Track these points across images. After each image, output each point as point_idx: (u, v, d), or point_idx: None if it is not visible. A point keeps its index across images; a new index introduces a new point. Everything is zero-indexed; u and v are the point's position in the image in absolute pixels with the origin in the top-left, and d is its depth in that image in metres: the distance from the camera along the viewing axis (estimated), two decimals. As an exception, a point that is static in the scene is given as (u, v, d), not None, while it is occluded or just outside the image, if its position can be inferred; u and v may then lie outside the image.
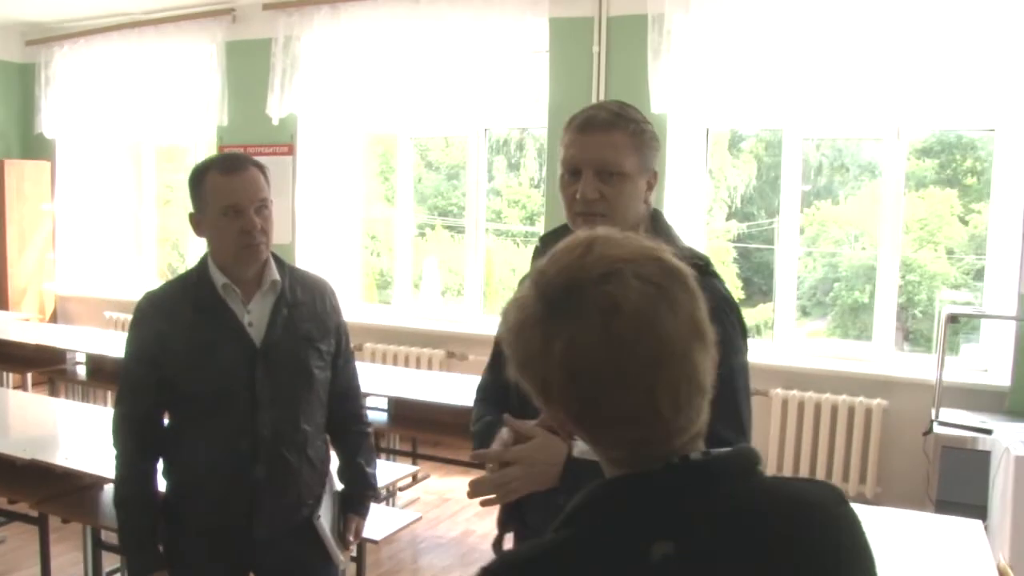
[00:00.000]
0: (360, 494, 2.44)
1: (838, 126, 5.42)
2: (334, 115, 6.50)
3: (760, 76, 5.19)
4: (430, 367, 6.04)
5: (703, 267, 1.72)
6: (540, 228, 6.99)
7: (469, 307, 6.37)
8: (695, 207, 5.66)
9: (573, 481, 1.63)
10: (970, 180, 5.64)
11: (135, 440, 2.20)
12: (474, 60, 6.10)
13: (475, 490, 1.68)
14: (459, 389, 4.60)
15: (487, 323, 6.22)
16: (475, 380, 5.23)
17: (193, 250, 7.33)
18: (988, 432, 4.07)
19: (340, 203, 6.67)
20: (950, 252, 5.65)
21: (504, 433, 1.67)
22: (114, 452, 2.22)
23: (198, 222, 2.18)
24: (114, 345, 5.69)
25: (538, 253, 1.92)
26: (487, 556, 4.22)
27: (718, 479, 0.94)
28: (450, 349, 6.14)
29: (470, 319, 6.28)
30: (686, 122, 5.46)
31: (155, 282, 7.58)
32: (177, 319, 2.15)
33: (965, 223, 5.61)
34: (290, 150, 6.40)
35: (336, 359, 2.33)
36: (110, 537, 3.47)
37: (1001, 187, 4.98)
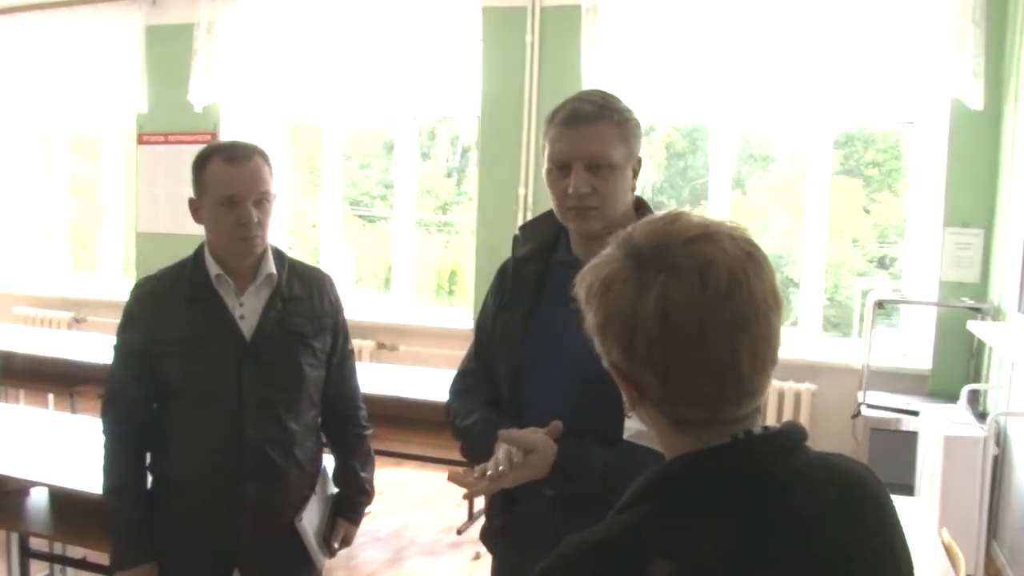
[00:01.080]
0: (352, 499, 2.36)
1: (763, 117, 5.54)
2: (258, 103, 6.35)
3: (689, 67, 5.27)
4: (360, 358, 5.93)
5: None
6: (454, 217, 6.99)
7: (399, 298, 6.30)
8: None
9: (563, 472, 1.64)
10: (871, 171, 5.85)
11: (124, 431, 2.14)
12: (405, 49, 6.03)
13: (459, 482, 1.68)
14: (391, 380, 4.56)
15: (419, 314, 6.17)
16: (408, 371, 5.23)
17: (105, 244, 7.09)
18: (915, 414, 4.21)
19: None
20: (855, 240, 5.85)
21: (501, 453, 1.64)
22: (103, 440, 2.15)
23: (196, 208, 2.11)
24: (25, 342, 5.46)
25: (517, 242, 1.91)
26: (426, 550, 4.19)
27: (780, 453, 0.99)
28: (380, 340, 6.07)
29: (400, 310, 6.21)
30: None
31: (68, 276, 7.30)
32: (170, 308, 2.09)
33: (868, 212, 5.82)
34: (213, 138, 6.21)
35: (331, 357, 2.26)
36: (38, 544, 3.33)
37: (919, 178, 5.17)
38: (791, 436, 1.01)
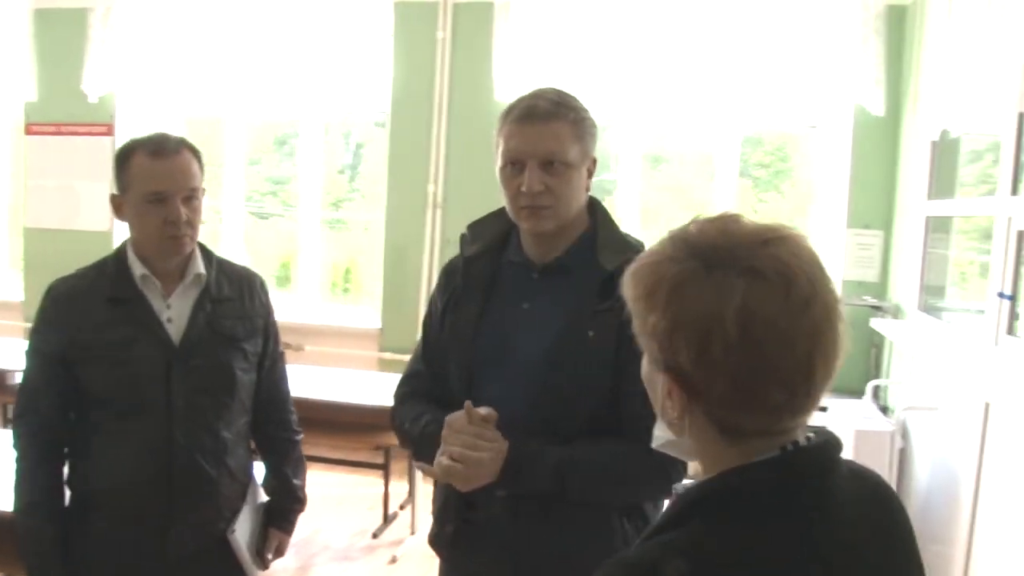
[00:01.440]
0: (286, 507, 2.26)
1: (671, 118, 5.63)
2: (157, 94, 6.08)
3: (600, 66, 5.26)
4: (264, 360, 5.78)
5: None
6: (345, 215, 6.88)
7: (303, 297, 6.14)
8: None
9: (513, 475, 1.62)
10: (759, 173, 6.02)
11: (39, 442, 1.99)
12: (312, 43, 5.88)
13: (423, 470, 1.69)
14: (298, 381, 4.41)
15: (324, 313, 6.03)
16: (315, 371, 5.08)
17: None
18: (824, 409, 4.31)
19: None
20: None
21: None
22: (14, 455, 2.00)
23: (119, 205, 1.98)
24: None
25: (465, 241, 1.87)
26: (339, 555, 4.08)
27: (827, 466, 0.98)
28: (285, 341, 5.89)
29: (305, 310, 6.05)
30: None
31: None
32: (90, 312, 1.95)
33: (755, 212, 5.99)
34: (109, 130, 5.94)
35: (262, 360, 2.15)
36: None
37: (822, 180, 5.33)
38: (834, 446, 1.00)
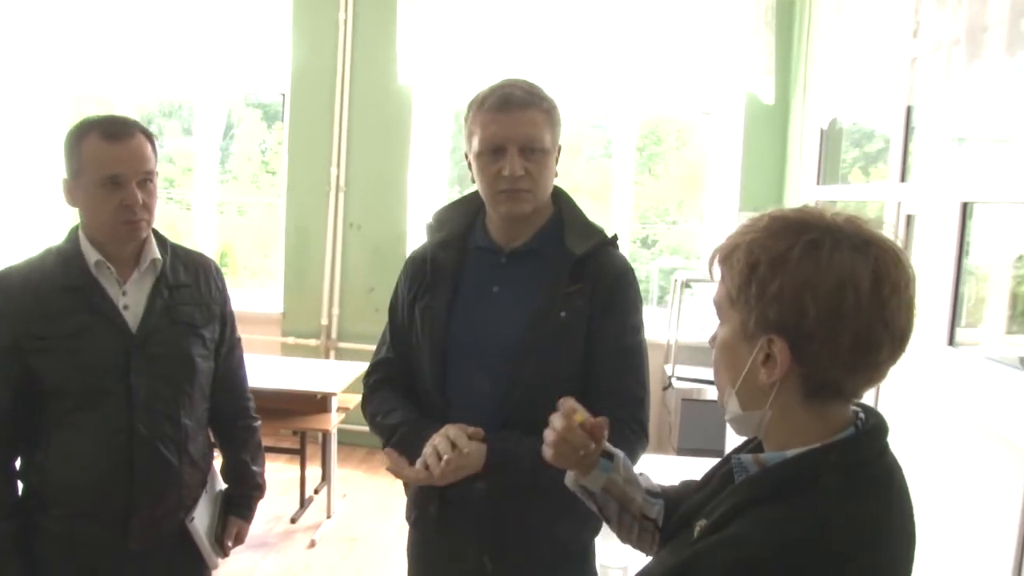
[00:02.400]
0: (245, 495, 2.24)
1: (569, 104, 5.74)
2: (37, 72, 5.79)
3: (501, 50, 5.33)
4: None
5: (611, 239, 1.83)
6: (222, 197, 6.70)
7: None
8: (438, 182, 5.76)
9: (496, 467, 1.69)
10: (653, 157, 6.31)
11: None
12: (208, 22, 5.72)
13: (396, 471, 1.72)
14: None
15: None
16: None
17: None
18: (720, 383, 4.55)
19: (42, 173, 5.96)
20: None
21: (431, 450, 1.67)
22: None
23: (71, 189, 1.91)
24: None
25: (431, 230, 1.91)
26: (256, 541, 4.05)
27: (886, 441, 1.10)
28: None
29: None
30: (432, 97, 5.54)
31: None
32: (43, 301, 1.88)
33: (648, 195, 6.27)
34: (-16, 109, 5.64)
35: (219, 347, 2.12)
36: None
37: (715, 165, 5.58)
38: (885, 423, 1.11)
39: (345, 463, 5.20)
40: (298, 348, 5.68)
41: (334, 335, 5.70)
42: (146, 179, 1.90)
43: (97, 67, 5.86)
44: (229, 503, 2.22)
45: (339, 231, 5.58)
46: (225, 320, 2.14)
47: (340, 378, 4.39)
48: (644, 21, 5.25)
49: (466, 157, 1.84)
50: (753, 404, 1.10)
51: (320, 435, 4.57)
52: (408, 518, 1.96)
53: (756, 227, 1.07)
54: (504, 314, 1.80)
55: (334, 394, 4.26)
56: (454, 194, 6.15)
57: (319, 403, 4.30)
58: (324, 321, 5.67)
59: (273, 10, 5.59)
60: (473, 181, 1.85)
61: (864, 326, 1.01)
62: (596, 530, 1.90)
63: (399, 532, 4.31)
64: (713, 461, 1.31)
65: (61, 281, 1.90)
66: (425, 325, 1.84)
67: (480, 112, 1.76)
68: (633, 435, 1.75)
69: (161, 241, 2.03)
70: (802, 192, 4.85)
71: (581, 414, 1.39)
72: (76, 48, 5.80)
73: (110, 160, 1.86)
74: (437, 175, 5.72)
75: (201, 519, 2.10)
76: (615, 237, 1.86)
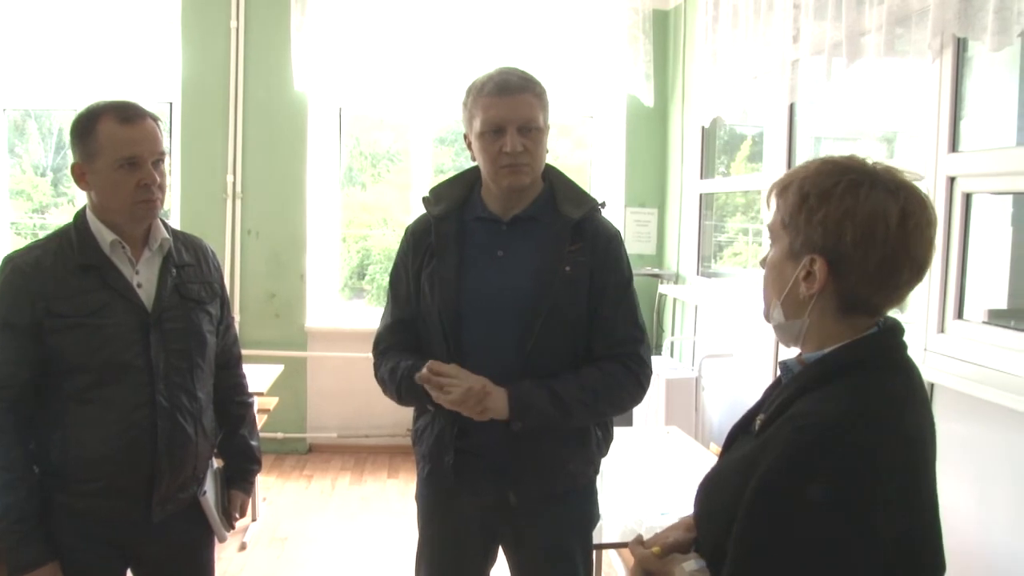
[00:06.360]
0: (245, 468, 2.32)
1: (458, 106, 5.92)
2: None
3: (395, 56, 5.44)
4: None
5: (601, 206, 2.07)
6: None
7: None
8: (330, 180, 5.88)
9: (523, 410, 1.91)
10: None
11: (11, 419, 1.92)
12: (93, 28, 5.56)
13: (428, 380, 1.90)
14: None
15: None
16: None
17: None
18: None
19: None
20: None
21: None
22: None
23: (82, 173, 1.95)
24: None
25: (429, 203, 2.12)
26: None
27: (901, 334, 1.33)
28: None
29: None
30: (327, 101, 5.63)
31: None
32: (60, 280, 1.93)
33: None
34: None
35: (219, 324, 2.20)
36: None
37: (601, 164, 5.93)
38: (901, 324, 1.34)
39: (258, 467, 5.20)
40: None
41: (235, 342, 5.65)
42: (159, 160, 1.98)
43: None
44: (230, 477, 2.31)
45: (237, 238, 5.57)
46: (223, 299, 2.24)
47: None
48: (529, 29, 5.49)
49: (465, 138, 2.07)
50: (794, 314, 1.31)
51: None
52: (420, 475, 2.14)
53: (808, 168, 1.30)
54: (512, 274, 2.01)
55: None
56: (347, 195, 6.26)
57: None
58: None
59: (160, 20, 5.51)
60: (473, 160, 2.07)
61: (890, 252, 1.22)
62: (598, 468, 2.15)
63: (325, 529, 4.43)
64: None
65: (76, 261, 1.95)
66: (435, 289, 2.02)
67: (480, 97, 1.99)
68: (636, 366, 2.02)
69: (164, 224, 2.11)
70: (685, 186, 5.25)
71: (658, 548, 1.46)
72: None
73: (127, 142, 1.92)
74: (328, 174, 5.83)
75: (210, 492, 2.18)
76: (604, 204, 2.10)
